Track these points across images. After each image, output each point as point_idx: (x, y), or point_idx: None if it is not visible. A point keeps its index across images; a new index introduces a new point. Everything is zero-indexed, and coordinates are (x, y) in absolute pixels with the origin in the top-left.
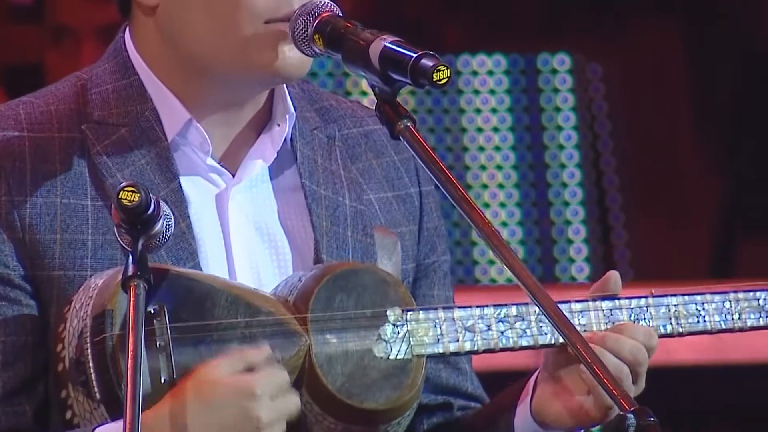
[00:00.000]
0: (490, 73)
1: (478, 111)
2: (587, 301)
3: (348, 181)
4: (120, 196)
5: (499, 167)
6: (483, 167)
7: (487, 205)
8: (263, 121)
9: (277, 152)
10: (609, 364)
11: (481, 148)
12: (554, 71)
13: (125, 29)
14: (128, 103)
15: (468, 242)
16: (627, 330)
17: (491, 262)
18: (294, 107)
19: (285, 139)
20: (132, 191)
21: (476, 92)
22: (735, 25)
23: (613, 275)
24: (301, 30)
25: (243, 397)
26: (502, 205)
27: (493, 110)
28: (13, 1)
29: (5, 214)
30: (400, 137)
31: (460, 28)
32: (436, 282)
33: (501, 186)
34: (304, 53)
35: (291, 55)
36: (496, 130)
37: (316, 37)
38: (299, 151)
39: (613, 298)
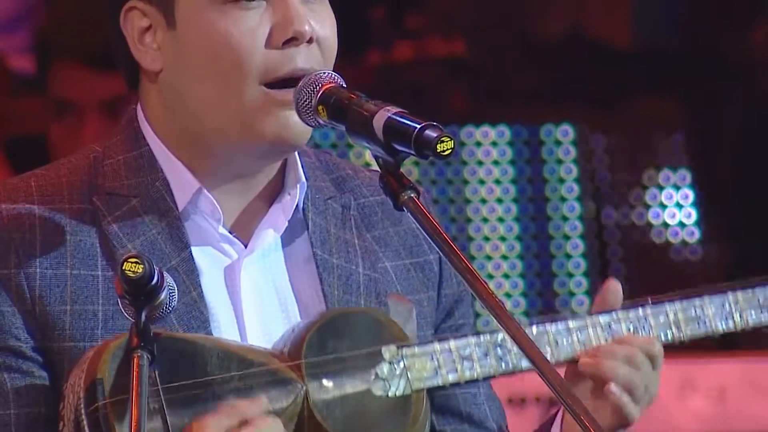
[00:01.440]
0: (494, 143)
1: (482, 182)
2: (584, 317)
3: (362, 250)
4: (124, 267)
5: (502, 238)
6: (486, 238)
7: (490, 276)
8: (275, 191)
9: (290, 222)
10: (609, 373)
11: (485, 219)
12: (558, 142)
13: (138, 100)
14: (139, 173)
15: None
16: (624, 340)
17: None
18: (306, 176)
19: (297, 209)
20: (136, 262)
21: (480, 163)
22: (736, 95)
23: (612, 284)
24: (305, 101)
25: None
26: (506, 275)
27: (497, 181)
28: (16, 73)
29: (15, 287)
30: (404, 208)
31: (464, 99)
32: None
33: (504, 257)
34: (308, 124)
35: (293, 122)
36: (499, 201)
37: (320, 108)
38: (311, 221)
39: (611, 311)
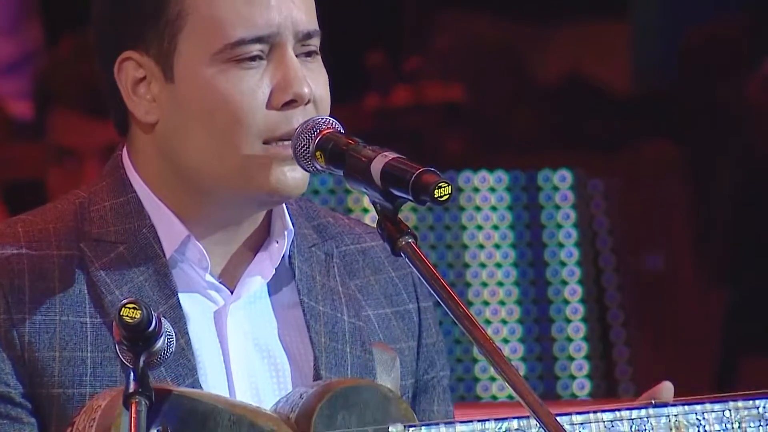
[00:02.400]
0: (492, 189)
1: (480, 227)
2: (588, 413)
3: (346, 297)
4: (122, 313)
5: (500, 284)
6: (484, 284)
7: (488, 322)
8: (261, 238)
9: (276, 269)
10: None
11: (483, 265)
12: (556, 188)
13: (122, 147)
14: (126, 220)
15: (469, 359)
16: None
17: (493, 379)
18: (293, 224)
19: (283, 256)
20: (134, 308)
21: (478, 209)
22: (734, 140)
23: (666, 385)
24: (303, 147)
25: None
26: (504, 321)
27: (495, 227)
28: (15, 118)
29: (4, 332)
30: (402, 254)
31: (461, 143)
32: (435, 397)
33: (502, 303)
34: (306, 170)
35: (291, 176)
36: (497, 246)
37: (318, 153)
38: (297, 268)
39: (614, 410)
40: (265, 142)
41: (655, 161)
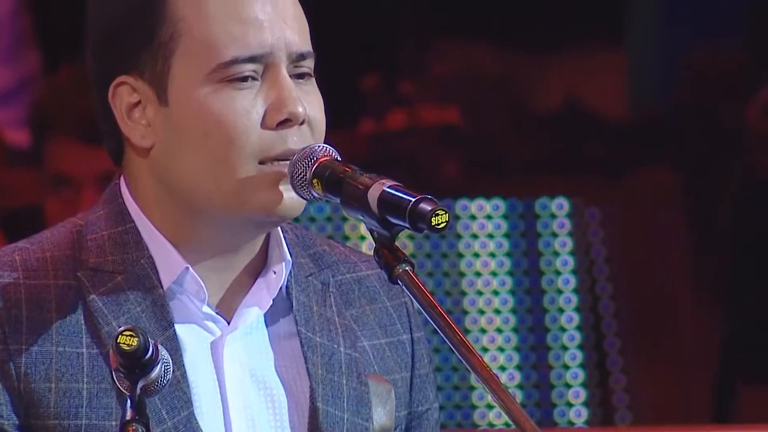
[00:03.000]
0: (489, 217)
1: (477, 255)
2: None
3: (343, 328)
4: (118, 341)
5: (497, 311)
6: (481, 311)
7: (485, 350)
8: (258, 267)
9: (273, 299)
10: None
11: (480, 292)
12: (553, 215)
13: (120, 175)
14: (124, 250)
15: (466, 386)
16: None
17: (490, 406)
18: (290, 254)
19: (280, 286)
20: (131, 335)
21: (474, 236)
22: (733, 168)
23: None
24: (300, 174)
25: None
26: (501, 349)
27: (492, 254)
28: (11, 146)
29: (1, 363)
30: (399, 281)
31: (458, 168)
32: (428, 430)
33: (499, 330)
34: (303, 197)
35: (287, 195)
36: (494, 274)
37: (315, 181)
38: (295, 299)
39: None
40: (261, 162)
41: (653, 189)
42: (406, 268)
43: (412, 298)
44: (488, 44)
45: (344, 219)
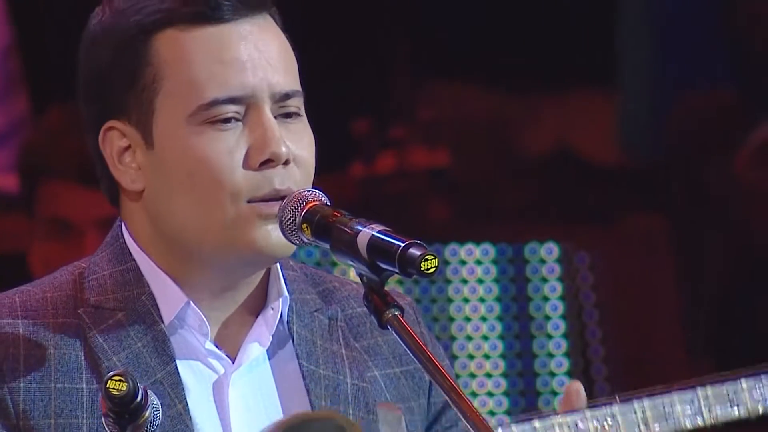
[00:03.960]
0: (478, 261)
1: (466, 300)
2: (549, 416)
3: (350, 360)
4: (108, 386)
5: (486, 356)
6: (471, 356)
7: (475, 394)
8: (260, 302)
9: (275, 335)
10: None
11: (469, 337)
12: (542, 260)
13: (121, 220)
14: (125, 288)
15: None
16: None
17: None
18: (290, 290)
19: (282, 321)
20: (120, 380)
21: (464, 281)
22: (722, 214)
23: (574, 385)
24: (289, 219)
25: None
26: (490, 394)
27: (481, 299)
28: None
29: (0, 401)
30: (388, 326)
31: (447, 211)
32: None
33: (489, 375)
34: (293, 242)
35: (275, 234)
36: (483, 319)
37: (304, 226)
38: (296, 333)
39: (578, 410)
40: (249, 202)
41: (642, 235)
42: (396, 313)
43: (402, 343)
44: (478, 88)
45: (334, 263)
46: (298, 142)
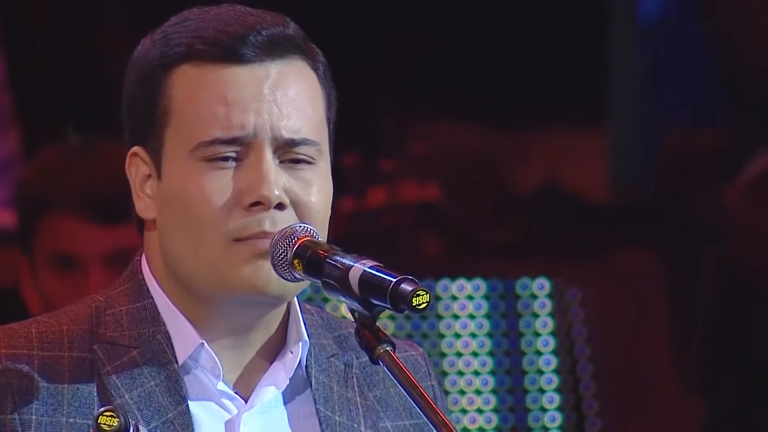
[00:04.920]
0: (470, 297)
1: (458, 335)
2: None
3: (364, 408)
4: (99, 421)
5: (478, 392)
6: (462, 391)
7: (466, 430)
8: (277, 348)
9: (291, 378)
10: None
11: (460, 373)
12: (534, 296)
13: (141, 252)
14: (141, 325)
15: None
16: None
17: None
18: (309, 334)
19: (300, 366)
20: (111, 416)
21: (456, 317)
22: (714, 250)
23: None
24: (281, 255)
25: None
26: (481, 429)
27: (473, 334)
28: None
29: None
30: (380, 362)
31: (438, 245)
32: None
33: (480, 410)
34: (285, 278)
35: (265, 271)
36: (475, 354)
37: (296, 261)
38: (314, 378)
39: None
40: (237, 240)
41: (634, 270)
42: (387, 349)
43: (393, 379)
44: (469, 123)
45: (325, 299)
46: (304, 189)
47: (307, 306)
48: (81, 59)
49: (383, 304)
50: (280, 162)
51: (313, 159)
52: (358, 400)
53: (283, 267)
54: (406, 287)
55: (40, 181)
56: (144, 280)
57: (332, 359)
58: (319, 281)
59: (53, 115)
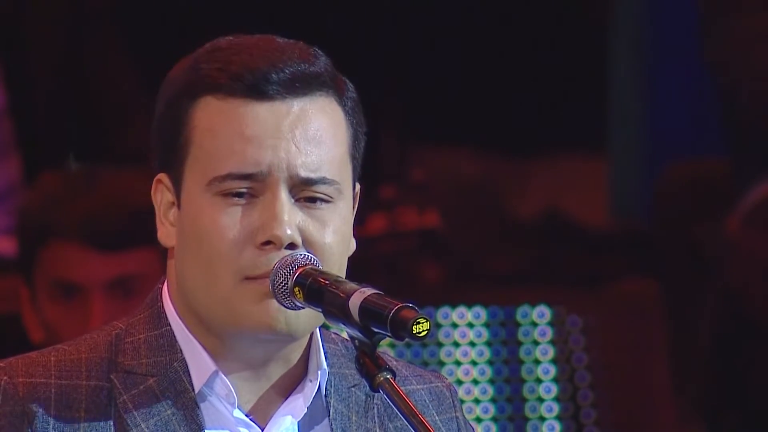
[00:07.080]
0: (470, 324)
1: (458, 363)
2: None
3: None
4: None
5: (478, 419)
6: None
7: None
8: (296, 379)
9: (309, 407)
10: None
11: (461, 401)
12: (534, 323)
13: (164, 280)
14: (158, 353)
15: None
16: None
17: None
18: (329, 363)
19: (319, 394)
20: None
21: (456, 344)
22: (713, 278)
23: None
24: (282, 283)
25: None
26: None
27: (473, 362)
28: None
29: None
30: (380, 389)
31: (438, 273)
32: None
33: None
34: (285, 306)
35: (274, 308)
36: (475, 382)
37: (297, 290)
38: (333, 407)
39: None
40: (247, 278)
41: (634, 298)
42: (387, 376)
43: (393, 406)
44: (469, 151)
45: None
46: (319, 228)
47: (333, 335)
48: (81, 86)
49: (384, 332)
50: (297, 200)
51: (331, 198)
52: (378, 430)
53: (284, 295)
54: (407, 315)
55: (40, 208)
56: (163, 307)
57: (353, 389)
58: (320, 309)
59: (53, 142)
